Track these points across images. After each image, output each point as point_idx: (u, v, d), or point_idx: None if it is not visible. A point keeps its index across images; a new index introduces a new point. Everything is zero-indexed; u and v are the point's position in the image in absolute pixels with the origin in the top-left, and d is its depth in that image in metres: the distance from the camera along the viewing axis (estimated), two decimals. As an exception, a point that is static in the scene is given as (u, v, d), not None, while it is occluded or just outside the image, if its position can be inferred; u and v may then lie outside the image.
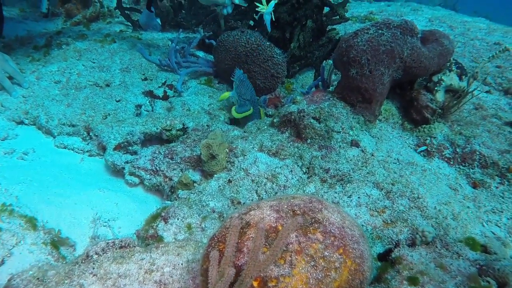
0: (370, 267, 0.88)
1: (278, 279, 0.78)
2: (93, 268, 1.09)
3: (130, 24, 3.32)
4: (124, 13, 3.24)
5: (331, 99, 1.83)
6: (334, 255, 0.82)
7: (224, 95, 2.24)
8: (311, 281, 0.79)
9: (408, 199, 1.45)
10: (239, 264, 0.79)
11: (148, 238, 1.47)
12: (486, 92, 2.24)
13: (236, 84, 2.18)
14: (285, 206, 0.89)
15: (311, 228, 0.84)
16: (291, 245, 0.81)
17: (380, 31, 1.73)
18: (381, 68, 1.71)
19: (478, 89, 2.22)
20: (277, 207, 0.89)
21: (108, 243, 1.18)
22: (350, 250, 0.84)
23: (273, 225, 0.84)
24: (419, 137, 1.85)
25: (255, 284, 0.77)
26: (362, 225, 1.33)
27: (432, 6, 5.75)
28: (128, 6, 3.66)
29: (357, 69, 1.73)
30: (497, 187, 1.68)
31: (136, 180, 1.93)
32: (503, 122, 1.95)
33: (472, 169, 1.73)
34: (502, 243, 1.41)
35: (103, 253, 1.16)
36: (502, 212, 1.58)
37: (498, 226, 1.53)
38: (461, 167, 1.74)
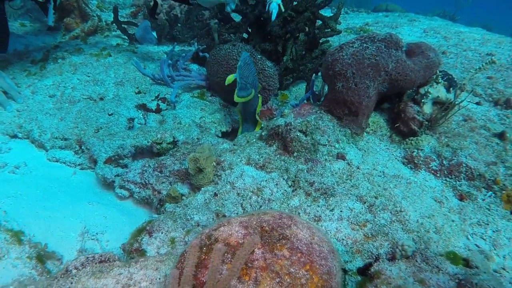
0: (339, 282, 0.89)
1: (244, 296, 0.78)
2: (71, 283, 1.10)
3: (126, 38, 3.37)
4: (121, 27, 3.29)
5: (318, 112, 1.84)
6: (300, 272, 0.83)
7: (229, 77, 2.23)
8: (277, 298, 0.79)
9: (390, 212, 1.45)
10: (203, 281, 0.80)
11: (133, 252, 1.48)
12: (476, 103, 2.25)
13: (240, 65, 2.17)
14: (254, 223, 0.90)
15: (278, 245, 0.85)
16: (256, 262, 0.81)
17: (364, 45, 1.74)
18: (367, 81, 1.73)
19: (468, 100, 2.22)
20: (246, 224, 0.90)
21: (88, 257, 1.19)
22: (317, 266, 0.85)
23: (240, 242, 0.85)
24: (407, 149, 1.85)
25: (221, 300, 0.78)
26: (343, 239, 1.33)
27: (430, 16, 5.78)
28: (125, 20, 3.72)
29: (342, 83, 1.75)
30: (483, 200, 1.67)
31: (126, 193, 1.94)
32: (492, 133, 1.95)
33: (459, 181, 1.73)
34: (485, 256, 1.41)
35: (82, 268, 1.17)
36: (488, 224, 1.57)
37: (483, 239, 1.52)
38: (447, 179, 1.74)
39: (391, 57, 1.73)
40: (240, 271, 0.79)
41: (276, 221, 0.91)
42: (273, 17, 2.23)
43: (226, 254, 0.83)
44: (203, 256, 0.85)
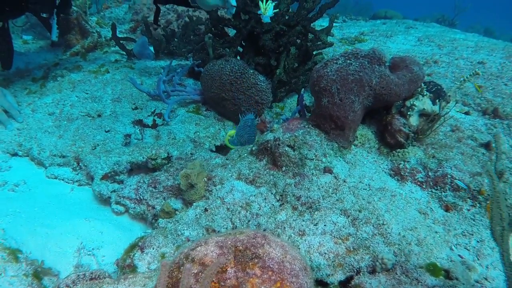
0: (311, 299, 0.93)
1: (217, 313, 0.83)
2: (62, 301, 1.15)
3: (125, 53, 3.45)
4: (119, 43, 3.37)
5: (306, 127, 1.89)
6: (271, 289, 0.87)
7: (230, 132, 2.34)
8: (249, 315, 0.84)
9: (373, 226, 1.49)
10: (178, 300, 0.85)
11: (125, 268, 1.54)
12: (465, 113, 2.28)
13: (240, 124, 2.28)
14: (229, 242, 0.95)
15: (250, 264, 0.90)
16: (228, 280, 0.86)
17: (348, 61, 1.79)
18: (351, 96, 1.77)
19: (457, 110, 2.26)
20: (221, 243, 0.95)
21: (78, 275, 1.25)
22: (288, 284, 0.89)
23: (214, 261, 0.90)
24: (393, 161, 1.89)
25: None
26: (325, 253, 1.38)
27: (428, 22, 5.81)
28: (124, 35, 3.80)
29: (328, 98, 1.80)
30: (468, 210, 1.71)
31: (122, 208, 2.00)
32: (478, 143, 1.98)
33: (444, 192, 1.76)
34: (467, 267, 1.44)
35: (73, 286, 1.22)
36: (472, 234, 1.61)
37: (467, 249, 1.55)
38: (433, 190, 1.78)
39: (374, 73, 1.78)
40: (212, 290, 0.84)
41: (250, 240, 0.96)
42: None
43: (200, 274, 0.88)
44: (180, 275, 0.90)
